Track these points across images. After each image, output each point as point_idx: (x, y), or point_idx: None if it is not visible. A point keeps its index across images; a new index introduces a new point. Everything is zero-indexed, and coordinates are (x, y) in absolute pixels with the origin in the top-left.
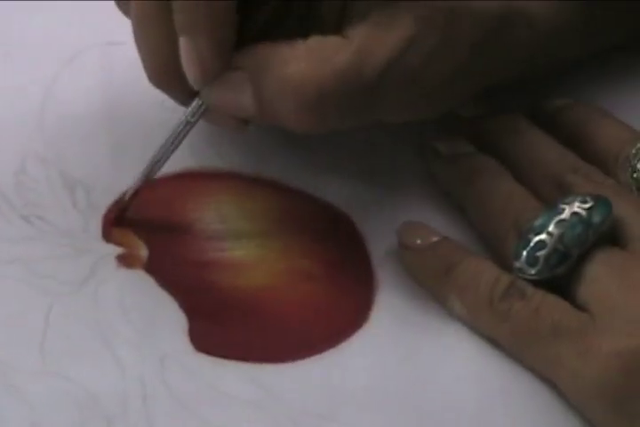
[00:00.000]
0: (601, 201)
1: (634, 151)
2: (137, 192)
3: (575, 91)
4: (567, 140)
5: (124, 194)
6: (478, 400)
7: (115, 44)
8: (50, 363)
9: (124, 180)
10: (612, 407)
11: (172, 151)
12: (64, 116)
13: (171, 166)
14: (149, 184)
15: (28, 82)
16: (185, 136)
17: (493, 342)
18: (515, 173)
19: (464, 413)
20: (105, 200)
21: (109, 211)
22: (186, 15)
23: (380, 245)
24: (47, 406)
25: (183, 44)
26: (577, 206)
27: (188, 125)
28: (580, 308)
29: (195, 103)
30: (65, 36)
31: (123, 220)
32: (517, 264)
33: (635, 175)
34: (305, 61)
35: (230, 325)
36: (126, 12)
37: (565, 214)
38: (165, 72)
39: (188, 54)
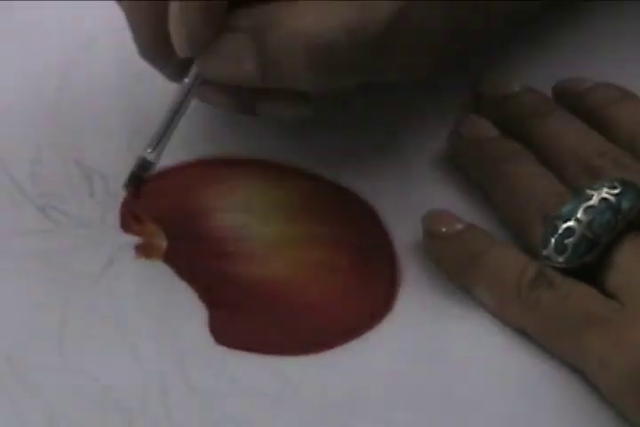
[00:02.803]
0: (630, 187)
1: None
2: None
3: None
4: (592, 122)
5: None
6: (506, 391)
7: (128, 30)
8: (68, 358)
9: None
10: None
11: (173, 128)
12: (79, 104)
13: (189, 154)
14: (165, 173)
15: (43, 69)
16: (183, 113)
17: (522, 331)
18: (540, 156)
19: (491, 403)
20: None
21: (126, 201)
22: None
23: (403, 233)
24: (65, 402)
25: (171, 12)
26: (605, 192)
27: (184, 99)
28: (610, 296)
29: (190, 74)
30: (79, 22)
31: (140, 207)
32: (545, 252)
33: None
34: (312, 16)
35: (251, 316)
36: None
37: (594, 201)
38: (157, 44)
39: (175, 22)
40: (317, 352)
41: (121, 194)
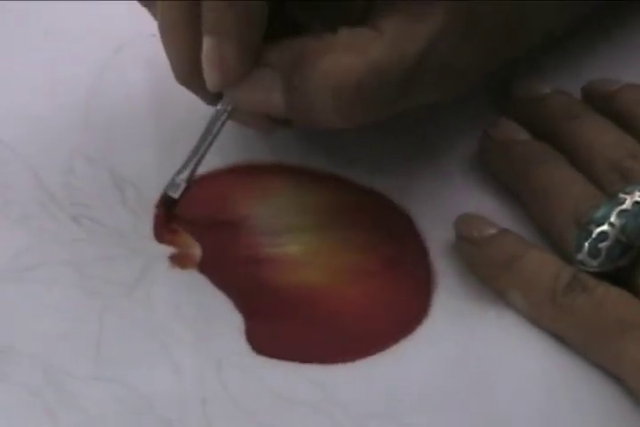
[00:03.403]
0: None
1: None
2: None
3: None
4: (622, 123)
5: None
6: (544, 397)
7: (158, 36)
8: (105, 368)
9: None
10: None
11: (206, 151)
12: (110, 112)
13: (220, 161)
14: (198, 181)
15: (74, 77)
16: (216, 136)
17: (557, 336)
18: (571, 159)
19: (530, 410)
20: (155, 199)
21: (157, 211)
22: (215, 17)
23: (437, 238)
24: (104, 413)
25: (206, 46)
26: (638, 196)
27: (217, 126)
28: None
29: (223, 101)
30: (109, 29)
31: (172, 217)
32: (579, 256)
33: None
34: (340, 55)
35: (287, 324)
36: (148, 5)
37: (627, 204)
38: (192, 73)
39: (209, 57)
40: (354, 360)
41: (154, 203)
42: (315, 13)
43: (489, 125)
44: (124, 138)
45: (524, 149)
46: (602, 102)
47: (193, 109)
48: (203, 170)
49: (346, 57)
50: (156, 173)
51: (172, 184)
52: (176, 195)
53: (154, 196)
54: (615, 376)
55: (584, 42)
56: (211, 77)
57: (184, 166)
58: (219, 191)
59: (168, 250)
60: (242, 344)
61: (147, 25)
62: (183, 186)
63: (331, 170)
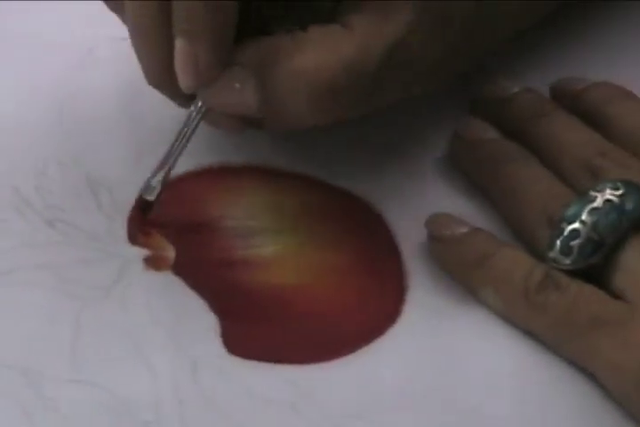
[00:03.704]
0: (633, 187)
1: None
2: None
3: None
4: (591, 121)
5: (141, 196)
6: (517, 394)
7: (128, 39)
8: (81, 370)
9: None
10: None
11: (180, 153)
12: (83, 116)
13: (191, 164)
14: (171, 184)
15: (47, 81)
16: (189, 138)
17: (530, 333)
18: (541, 157)
19: (503, 408)
20: (129, 201)
21: (132, 213)
22: (185, 18)
23: (409, 237)
24: (80, 415)
25: (178, 47)
26: (609, 193)
27: (189, 128)
28: (617, 297)
29: (195, 103)
30: (78, 33)
31: (147, 220)
32: (551, 254)
33: None
34: (312, 54)
35: (262, 326)
36: (116, 10)
37: (598, 202)
38: (164, 75)
39: (181, 58)
40: (329, 360)
41: (128, 206)
42: (284, 12)
43: (459, 125)
44: (97, 142)
45: (494, 148)
46: (570, 101)
47: (166, 112)
48: (175, 173)
49: (318, 55)
50: (129, 176)
51: (148, 187)
52: (152, 197)
53: (128, 199)
54: (588, 373)
55: (551, 40)
56: (183, 79)
57: (158, 169)
58: (191, 194)
59: (142, 252)
60: (217, 346)
61: (115, 28)
62: (158, 188)
63: (302, 170)
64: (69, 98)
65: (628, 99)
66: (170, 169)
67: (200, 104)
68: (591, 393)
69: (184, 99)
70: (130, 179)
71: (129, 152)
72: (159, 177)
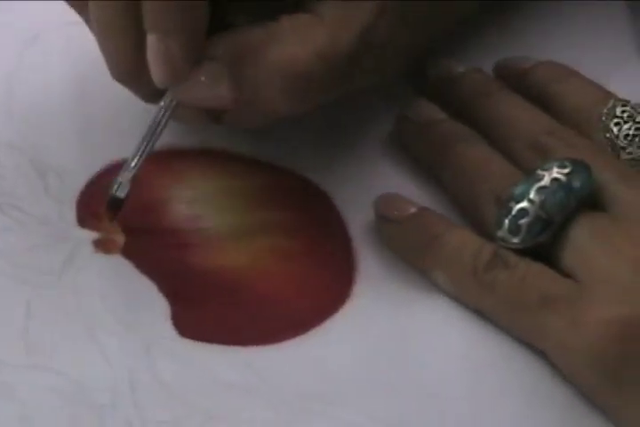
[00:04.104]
0: (579, 165)
1: (606, 111)
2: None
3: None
4: (536, 100)
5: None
6: (470, 374)
7: (77, 24)
8: (35, 356)
9: (96, 163)
10: (603, 377)
11: (149, 150)
12: (31, 100)
13: None
14: (120, 168)
15: None
16: (159, 134)
17: (481, 314)
18: (488, 138)
19: (455, 386)
20: (78, 185)
21: (82, 196)
22: (157, 14)
23: (358, 219)
24: (36, 401)
25: (151, 43)
26: (556, 172)
27: (160, 124)
28: (566, 275)
29: (165, 98)
30: (25, 18)
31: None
32: (500, 233)
33: (608, 135)
34: (285, 44)
35: (212, 308)
36: (80, 10)
37: (545, 181)
38: (132, 71)
39: (155, 53)
40: (281, 341)
41: (77, 189)
42: (249, 4)
43: (406, 106)
44: (44, 126)
45: (441, 129)
46: (515, 80)
47: (113, 95)
48: (120, 157)
49: (291, 46)
50: (77, 160)
51: (118, 185)
52: (122, 195)
53: (76, 183)
54: (539, 351)
55: (495, 20)
56: (157, 74)
57: (128, 165)
58: (140, 177)
59: (92, 235)
60: (169, 328)
61: (64, 14)
62: (128, 186)
63: (251, 154)
64: (17, 83)
65: (573, 77)
66: (141, 165)
67: (170, 100)
68: (543, 372)
69: (151, 95)
70: (78, 163)
71: (76, 136)
72: (129, 174)
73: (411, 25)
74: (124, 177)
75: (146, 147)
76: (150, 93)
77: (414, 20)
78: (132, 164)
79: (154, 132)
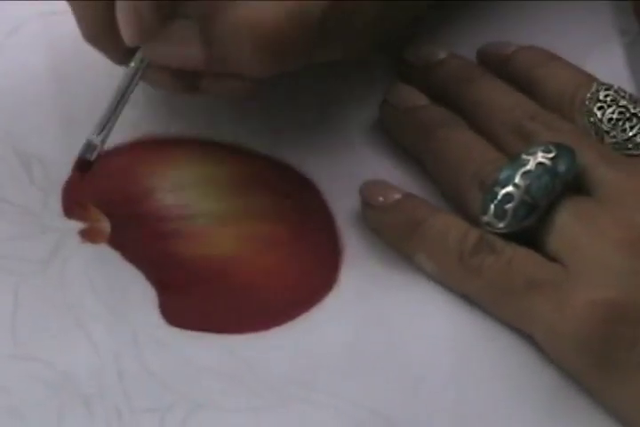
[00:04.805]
0: (564, 150)
1: (589, 95)
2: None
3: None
4: (518, 85)
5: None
6: (456, 359)
7: (57, 14)
8: (22, 346)
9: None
10: (589, 360)
11: (119, 111)
12: (12, 90)
13: (123, 135)
14: (103, 157)
15: None
16: (129, 95)
17: (466, 297)
18: (471, 123)
19: (441, 370)
20: (62, 174)
21: (71, 175)
22: None
23: (342, 205)
24: (23, 391)
25: (120, 2)
26: (541, 156)
27: (130, 83)
28: (552, 259)
29: (136, 58)
30: (4, 8)
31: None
32: (485, 218)
33: (592, 119)
34: (255, 3)
35: (199, 296)
36: None
37: (530, 165)
38: (102, 31)
39: (124, 12)
40: (268, 328)
41: (62, 179)
42: None
43: (388, 92)
44: (26, 116)
45: (424, 114)
46: (498, 65)
47: (93, 83)
48: (106, 146)
49: (261, 4)
50: (61, 150)
51: (88, 146)
52: (92, 157)
53: (61, 172)
54: (525, 335)
55: (476, 5)
56: (127, 32)
57: (98, 127)
58: (124, 166)
59: (78, 225)
60: (156, 317)
61: (43, 4)
62: (99, 148)
63: (234, 141)
64: None
65: (555, 61)
66: (111, 127)
67: (140, 59)
68: (529, 356)
69: (122, 54)
70: (62, 152)
71: (59, 125)
72: (100, 136)
73: None
74: (94, 139)
75: (115, 108)
76: (121, 54)
77: None
78: (102, 126)
79: (124, 92)
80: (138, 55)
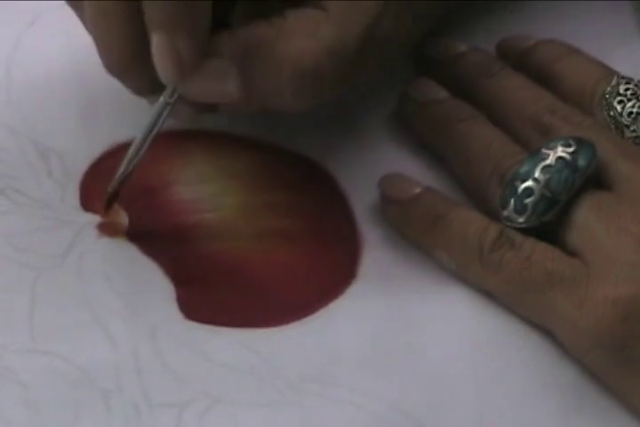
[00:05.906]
0: (584, 144)
1: (609, 89)
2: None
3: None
4: (538, 79)
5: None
6: (474, 354)
7: None
8: (40, 340)
9: (98, 144)
10: (610, 356)
11: (147, 145)
12: (30, 82)
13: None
14: (120, 151)
15: None
16: (158, 129)
17: (485, 292)
18: (491, 117)
19: (459, 367)
20: (80, 167)
21: (85, 180)
22: (162, 11)
23: (362, 199)
24: (41, 386)
25: (158, 41)
26: (561, 151)
27: (161, 119)
28: (572, 254)
29: (165, 93)
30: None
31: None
32: (505, 213)
33: (612, 113)
34: (294, 40)
35: (217, 290)
36: (75, 6)
37: (550, 160)
38: (127, 65)
39: (162, 52)
40: (286, 323)
41: (79, 173)
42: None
43: (408, 85)
44: (46, 109)
45: (444, 108)
46: (517, 59)
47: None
48: (123, 139)
49: (300, 41)
50: (79, 143)
51: (117, 181)
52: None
53: (79, 165)
54: (544, 330)
55: (497, 3)
56: (165, 71)
57: (128, 162)
58: (143, 160)
59: (96, 219)
60: (174, 311)
61: None
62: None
63: (252, 134)
64: (16, 66)
65: (575, 55)
66: (138, 162)
67: (169, 96)
68: (548, 351)
69: (144, 88)
70: (80, 145)
71: (77, 119)
72: (129, 168)
73: (415, 14)
74: (122, 174)
75: (145, 143)
76: (144, 88)
77: (419, 9)
78: (130, 161)
79: (152, 127)
80: (168, 90)
